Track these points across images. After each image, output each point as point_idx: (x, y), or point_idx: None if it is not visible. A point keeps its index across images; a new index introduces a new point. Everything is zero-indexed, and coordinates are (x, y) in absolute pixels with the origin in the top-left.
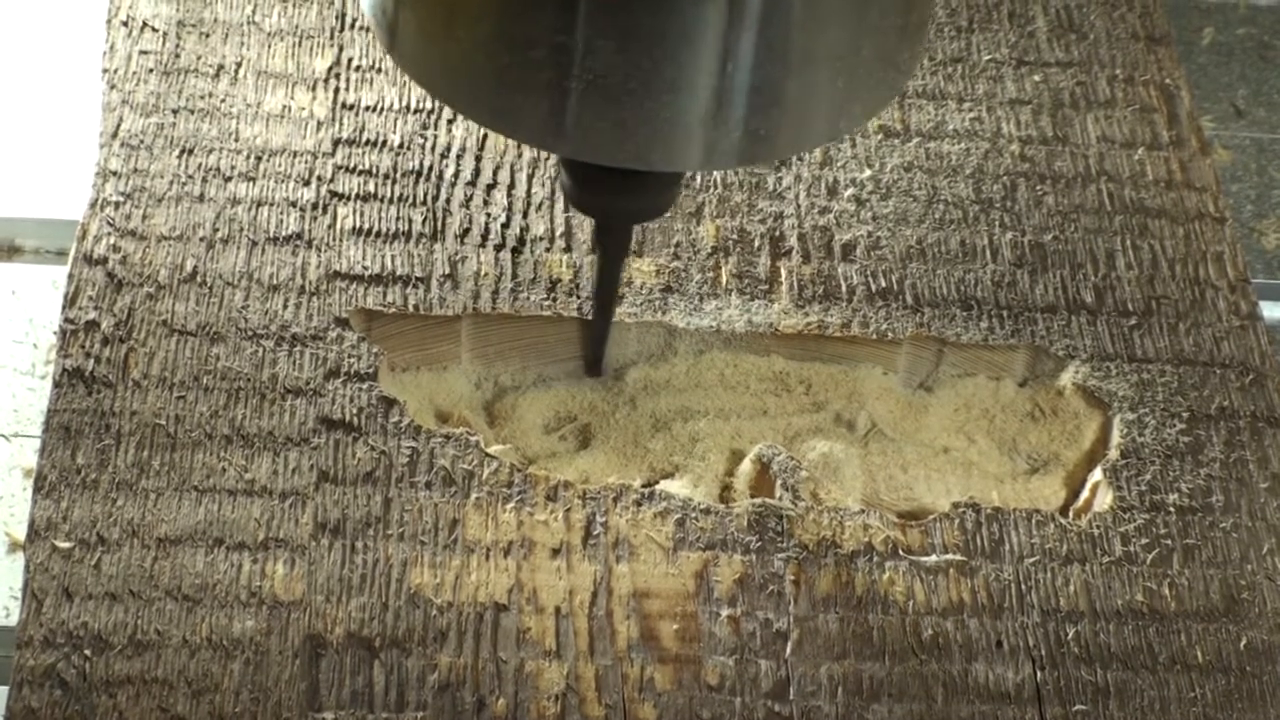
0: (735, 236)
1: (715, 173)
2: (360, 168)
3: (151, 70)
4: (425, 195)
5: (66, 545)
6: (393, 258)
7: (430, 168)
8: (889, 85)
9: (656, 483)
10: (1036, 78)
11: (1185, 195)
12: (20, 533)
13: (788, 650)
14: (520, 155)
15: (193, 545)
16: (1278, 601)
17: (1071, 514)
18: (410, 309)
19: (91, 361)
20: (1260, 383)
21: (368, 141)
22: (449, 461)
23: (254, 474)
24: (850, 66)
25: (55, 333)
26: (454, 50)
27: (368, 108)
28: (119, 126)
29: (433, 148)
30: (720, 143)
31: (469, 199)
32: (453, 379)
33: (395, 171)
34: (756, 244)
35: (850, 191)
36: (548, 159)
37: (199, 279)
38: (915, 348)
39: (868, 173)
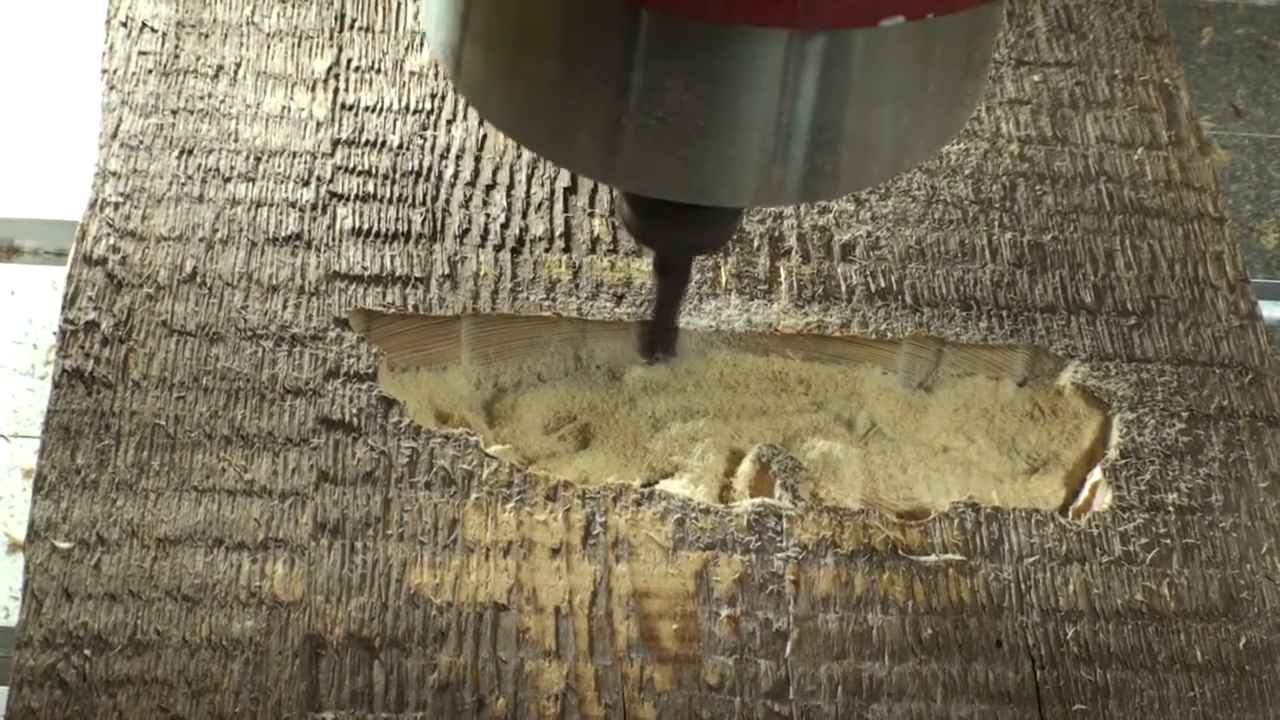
0: (734, 236)
1: None
2: (360, 168)
3: (151, 71)
4: (425, 196)
5: (66, 546)
6: (392, 258)
7: (429, 168)
8: (953, 120)
9: (656, 483)
10: (1036, 78)
11: (1184, 195)
12: (20, 533)
13: (787, 650)
14: (520, 156)
15: (192, 545)
16: (1277, 601)
17: (1071, 514)
18: (410, 309)
19: (91, 362)
20: (1259, 382)
21: (367, 142)
22: (448, 462)
23: (254, 474)
24: (915, 103)
25: (55, 333)
26: (520, 86)
27: (367, 108)
28: (118, 127)
29: (432, 148)
30: (786, 179)
31: (468, 199)
32: (452, 379)
33: (395, 172)
34: (756, 244)
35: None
36: (547, 160)
37: (198, 279)
38: (914, 348)
39: None
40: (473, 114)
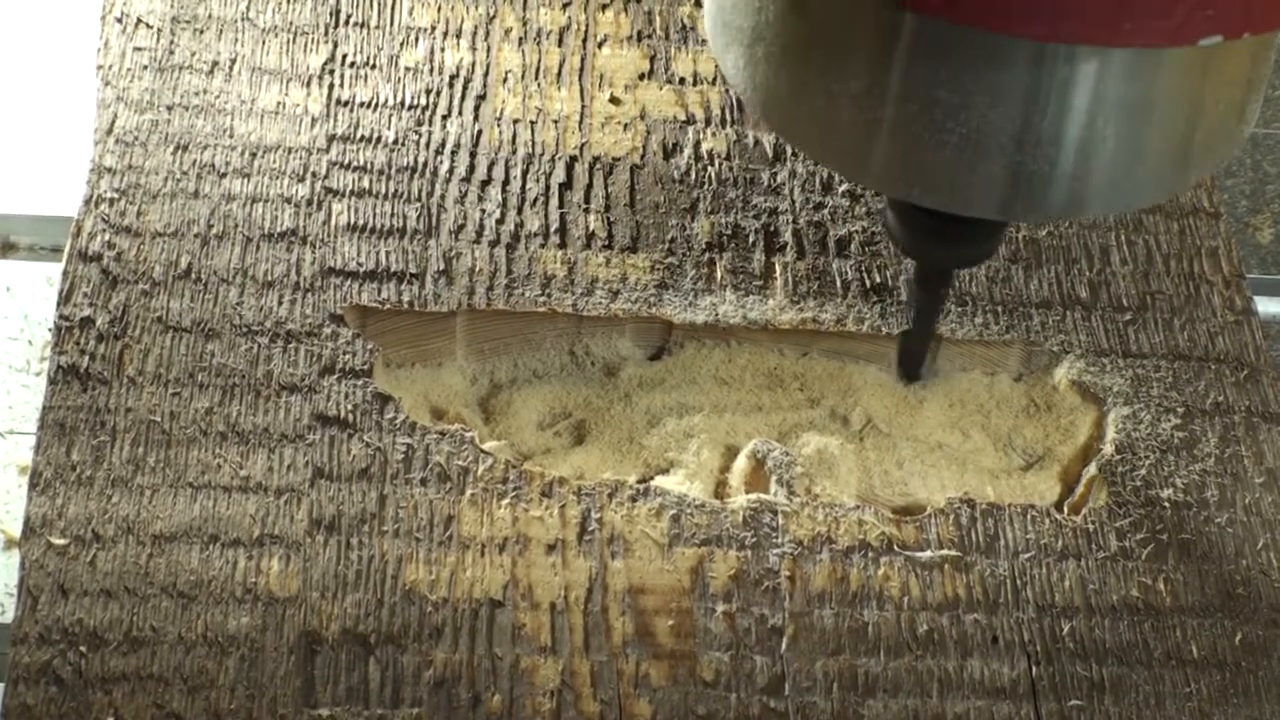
0: (730, 232)
1: (710, 169)
2: (355, 164)
3: (146, 67)
4: (420, 191)
5: (62, 542)
6: (387, 254)
7: (425, 164)
8: (1236, 136)
9: (651, 479)
10: None
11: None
12: (15, 530)
13: (783, 646)
14: (515, 151)
15: (188, 542)
16: (1273, 596)
17: (1066, 509)
18: (405, 305)
19: (86, 358)
20: (1255, 378)
21: (362, 138)
22: (444, 458)
23: (249, 470)
24: (1203, 119)
25: (50, 329)
26: (820, 104)
27: (362, 104)
28: (113, 123)
29: (427, 144)
30: (1084, 194)
31: (463, 195)
32: (447, 375)
33: (390, 168)
34: (751, 239)
35: (845, 187)
36: (542, 155)
37: (194, 275)
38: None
39: None
40: (468, 109)
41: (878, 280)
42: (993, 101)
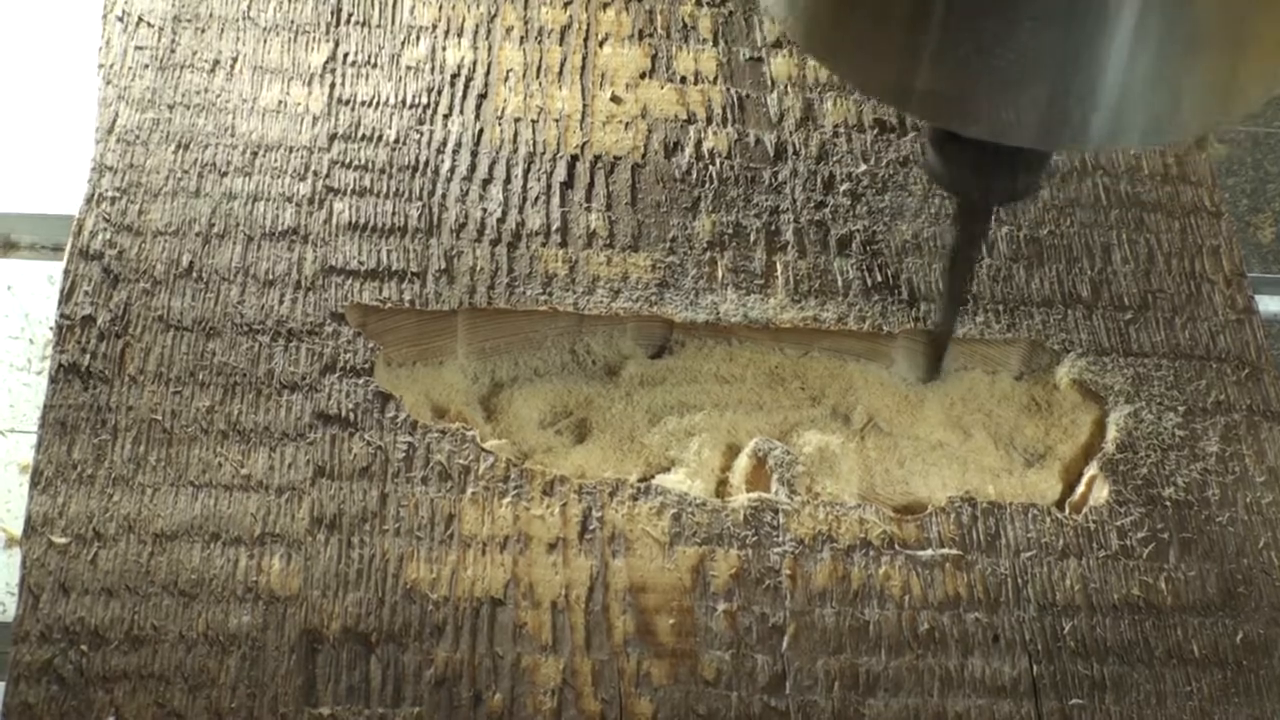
0: (731, 231)
1: (711, 167)
2: (356, 163)
3: (147, 65)
4: (421, 190)
5: (63, 540)
6: (388, 253)
7: (426, 162)
8: None
9: (652, 477)
10: None
11: (1181, 189)
12: (17, 528)
13: (784, 644)
14: (516, 150)
15: (189, 540)
16: (1274, 595)
17: (1068, 508)
18: (406, 304)
19: (88, 357)
20: (1256, 376)
21: (363, 136)
22: (445, 456)
23: (250, 469)
24: (1243, 50)
25: (51, 328)
26: (864, 30)
27: (363, 102)
28: (115, 121)
29: (428, 142)
30: (1125, 123)
31: (465, 194)
32: (449, 374)
33: (391, 166)
34: (752, 238)
35: (846, 186)
36: (544, 153)
37: (195, 274)
38: (911, 342)
39: (863, 167)
40: (469, 108)
41: (879, 279)
42: (1038, 26)
